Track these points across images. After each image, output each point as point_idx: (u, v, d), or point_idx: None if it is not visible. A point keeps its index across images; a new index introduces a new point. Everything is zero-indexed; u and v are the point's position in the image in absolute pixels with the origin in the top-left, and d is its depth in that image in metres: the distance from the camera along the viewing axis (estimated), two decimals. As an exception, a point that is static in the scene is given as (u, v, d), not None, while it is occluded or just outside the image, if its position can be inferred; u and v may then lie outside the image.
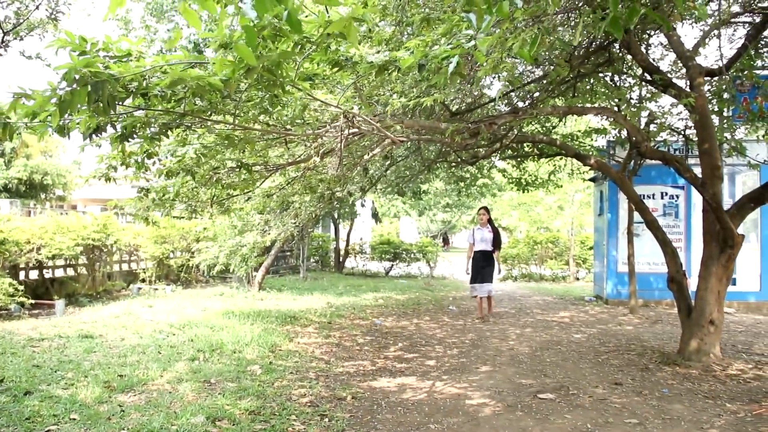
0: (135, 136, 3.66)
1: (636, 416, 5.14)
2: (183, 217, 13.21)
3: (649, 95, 8.05)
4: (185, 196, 5.56)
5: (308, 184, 6.24)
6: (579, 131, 11.86)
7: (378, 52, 3.31)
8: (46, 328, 8.45)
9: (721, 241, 6.92)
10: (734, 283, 12.80)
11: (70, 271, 12.27)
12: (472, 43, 2.87)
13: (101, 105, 2.54)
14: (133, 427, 4.61)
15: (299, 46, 2.99)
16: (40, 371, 6.14)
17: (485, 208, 11.15)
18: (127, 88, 2.85)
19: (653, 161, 9.99)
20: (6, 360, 6.56)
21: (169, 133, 3.69)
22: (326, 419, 5.01)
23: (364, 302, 12.85)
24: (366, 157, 5.63)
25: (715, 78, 8.54)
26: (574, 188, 21.92)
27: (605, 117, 7.79)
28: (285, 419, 4.95)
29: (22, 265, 10.87)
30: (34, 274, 11.43)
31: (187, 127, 3.80)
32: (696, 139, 8.03)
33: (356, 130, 4.42)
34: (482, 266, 10.70)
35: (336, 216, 21.89)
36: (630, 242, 11.41)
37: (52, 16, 8.55)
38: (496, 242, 10.84)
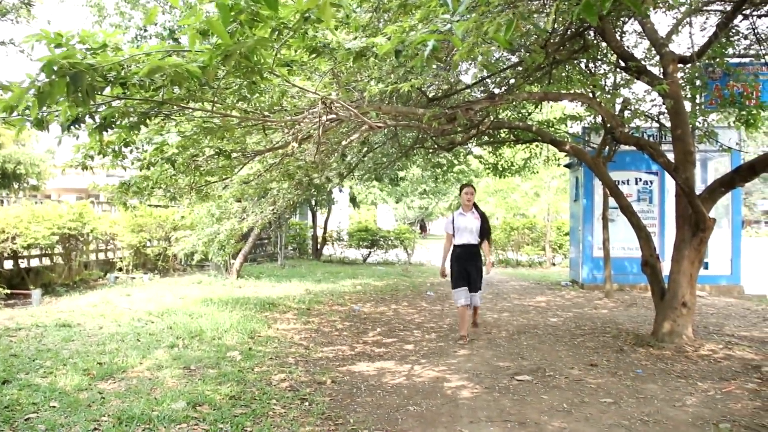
0: (114, 126, 3.65)
1: (611, 395, 5.26)
2: (161, 205, 13.15)
3: (623, 82, 8.16)
4: (164, 183, 5.54)
5: (286, 170, 6.24)
6: (554, 118, 11.97)
7: (355, 38, 3.34)
8: (23, 318, 8.39)
9: (693, 224, 7.07)
10: (706, 267, 13.09)
11: (47, 261, 12.15)
12: (448, 26, 2.91)
13: (80, 95, 2.54)
14: (114, 414, 4.61)
15: (277, 32, 3.00)
16: (18, 360, 6.11)
17: (471, 186, 7.98)
18: (105, 78, 2.84)
19: (628, 147, 10.15)
20: (-18, 350, 6.51)
21: (148, 121, 3.68)
22: (306, 403, 5.06)
23: (343, 289, 12.90)
24: (344, 142, 5.66)
25: (688, 65, 8.70)
26: (551, 175, 22.13)
27: (580, 103, 7.88)
28: (265, 403, 4.99)
29: (-4, 255, 10.76)
30: (9, 264, 11.31)
31: (166, 116, 3.79)
32: (669, 125, 8.17)
33: (334, 116, 4.44)
34: (466, 266, 7.77)
35: (313, 203, 21.88)
36: (605, 227, 11.59)
37: (26, 1, 8.40)
38: (485, 231, 7.95)
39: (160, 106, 3.41)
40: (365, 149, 9.89)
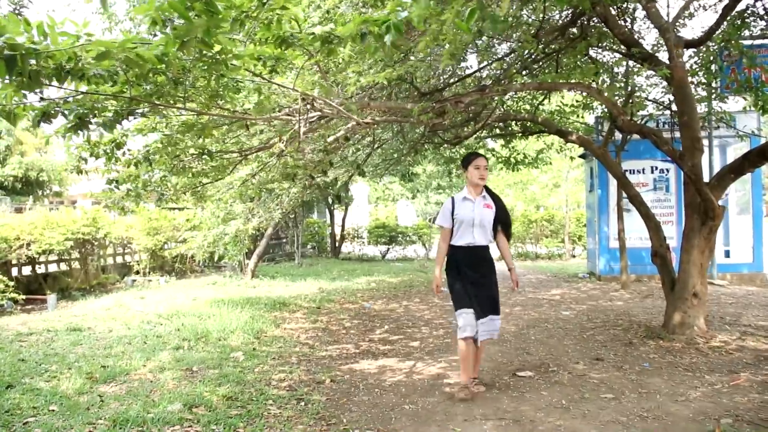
0: (90, 124, 3.64)
1: (613, 391, 5.14)
2: (177, 208, 13.23)
3: (635, 69, 7.96)
4: (156, 184, 5.55)
5: (285, 170, 6.20)
6: (566, 106, 11.74)
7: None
8: (36, 323, 8.49)
9: (702, 213, 6.88)
10: (728, 255, 12.84)
11: (64, 266, 12.30)
12: (405, 13, 2.86)
13: (24, 80, 2.51)
14: (110, 416, 4.62)
15: (239, 22, 2.95)
16: (25, 365, 6.16)
17: (483, 156, 5.26)
18: (62, 68, 2.81)
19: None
20: (-8, 355, 6.59)
21: (126, 121, 3.67)
22: (302, 403, 5.03)
23: (356, 286, 12.87)
24: (329, 139, 5.60)
25: (702, 48, 8.48)
26: (569, 165, 21.83)
27: (580, 92, 7.71)
28: (262, 404, 4.96)
29: (14, 262, 10.91)
30: (27, 270, 11.48)
31: (142, 115, 3.77)
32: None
33: (319, 113, 4.39)
34: (478, 277, 5.12)
35: (330, 201, 21.88)
36: (620, 218, 11.38)
37: (16, 12, 8.46)
38: (503, 225, 5.35)
39: (129, 103, 3.39)
40: (375, 146, 9.84)
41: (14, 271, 11.06)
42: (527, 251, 20.88)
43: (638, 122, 9.52)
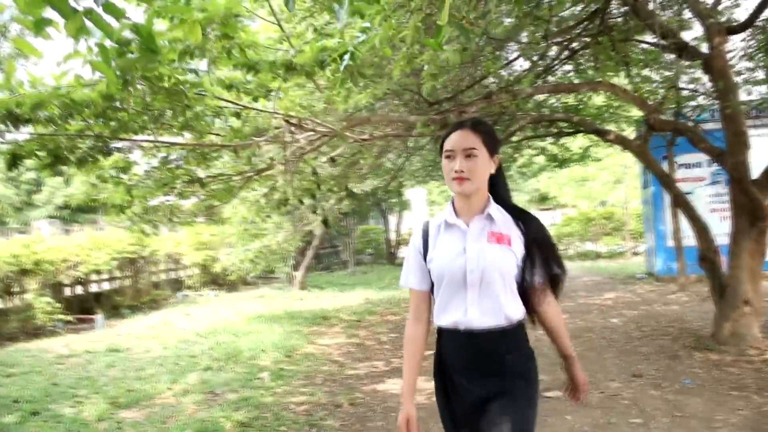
0: (69, 160, 3.62)
1: (643, 414, 4.75)
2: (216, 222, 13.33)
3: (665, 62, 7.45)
4: (164, 209, 5.54)
5: (301, 187, 6.07)
6: (614, 101, 11.18)
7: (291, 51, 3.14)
8: (79, 344, 8.65)
9: (750, 213, 6.35)
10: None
11: (115, 284, 12.62)
12: (363, 37, 2.67)
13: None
14: (122, 446, 4.60)
15: (188, 54, 2.84)
16: (56, 389, 6.25)
17: (465, 126, 2.15)
18: (12, 113, 2.80)
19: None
20: (30, 379, 6.73)
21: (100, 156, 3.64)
22: (315, 429, 4.88)
23: (405, 295, 12.64)
24: (332, 154, 5.42)
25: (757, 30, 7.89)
26: (633, 161, 20.96)
27: (603, 91, 7.25)
28: (273, 431, 4.84)
29: (67, 282, 11.23)
30: (79, 289, 11.81)
31: (118, 150, 3.73)
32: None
33: (311, 132, 4.23)
34: (485, 394, 2.21)
35: (384, 208, 21.75)
36: (674, 216, 10.74)
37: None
38: (548, 270, 2.22)
39: (97, 140, 3.34)
40: (409, 153, 9.63)
41: (67, 291, 11.40)
42: (587, 250, 20.13)
43: (689, 115, 8.97)
